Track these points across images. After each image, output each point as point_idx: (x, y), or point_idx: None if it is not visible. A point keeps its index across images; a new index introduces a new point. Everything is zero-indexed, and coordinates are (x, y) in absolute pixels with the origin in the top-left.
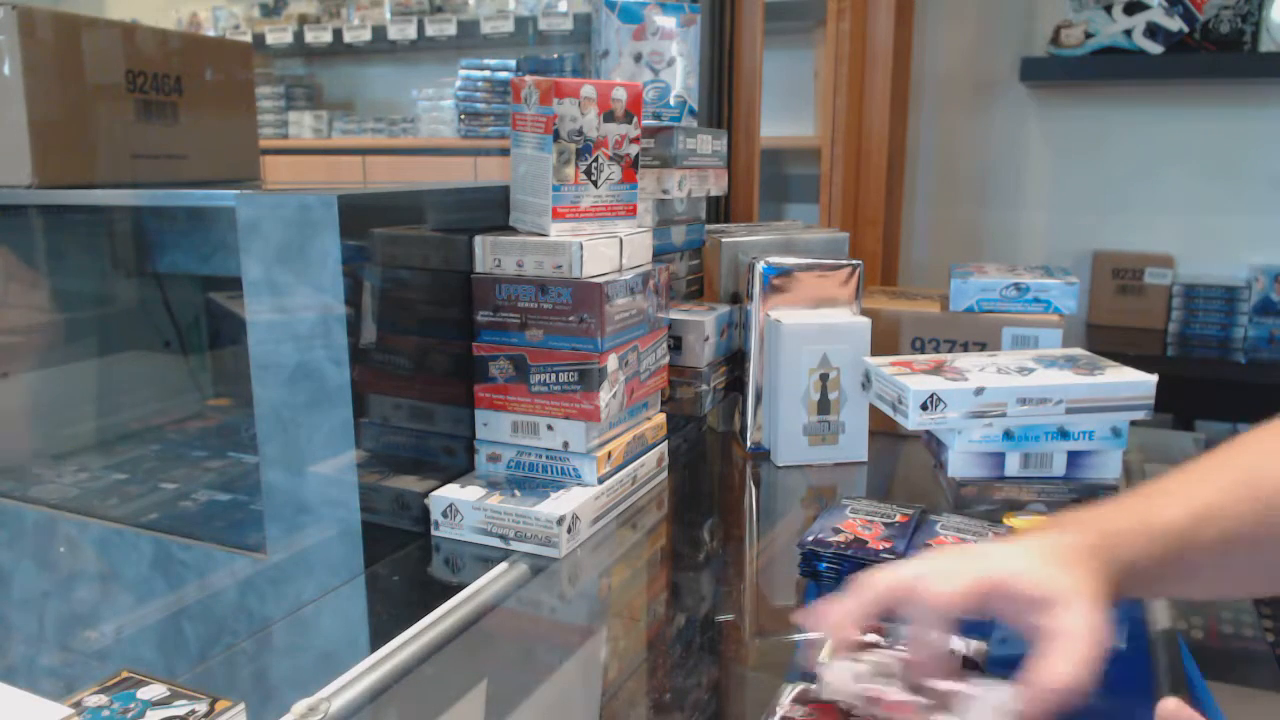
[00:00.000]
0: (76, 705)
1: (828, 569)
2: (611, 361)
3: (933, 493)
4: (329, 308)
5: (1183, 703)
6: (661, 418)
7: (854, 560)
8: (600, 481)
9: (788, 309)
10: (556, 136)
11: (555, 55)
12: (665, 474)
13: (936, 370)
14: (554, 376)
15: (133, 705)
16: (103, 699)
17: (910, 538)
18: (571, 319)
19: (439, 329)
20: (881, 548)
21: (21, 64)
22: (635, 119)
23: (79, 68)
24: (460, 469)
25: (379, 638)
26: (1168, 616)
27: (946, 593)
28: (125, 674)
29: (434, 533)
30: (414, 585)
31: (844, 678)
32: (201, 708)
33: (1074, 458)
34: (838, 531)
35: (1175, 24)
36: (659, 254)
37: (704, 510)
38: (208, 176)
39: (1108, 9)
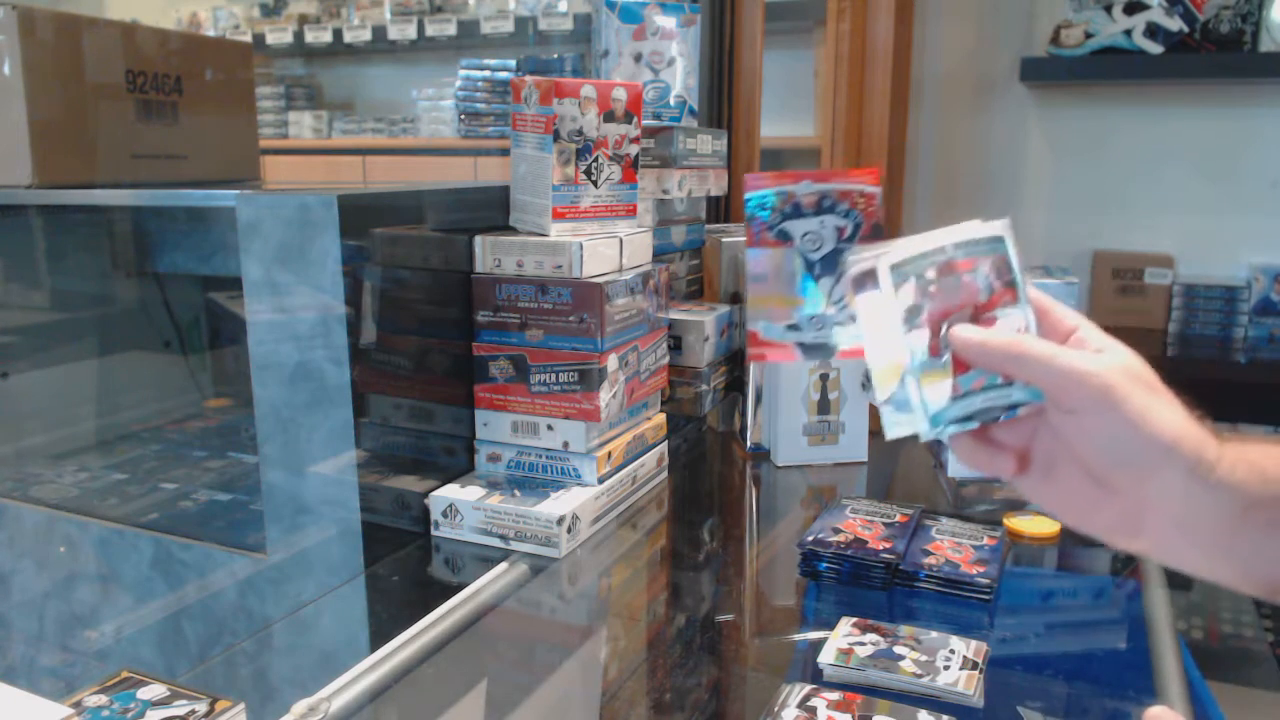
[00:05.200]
0: (76, 705)
1: (828, 569)
2: (611, 361)
3: (933, 493)
4: (329, 308)
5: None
6: (661, 418)
7: (854, 560)
8: (600, 481)
9: None
10: (556, 136)
11: (555, 55)
12: (665, 474)
13: None
14: (554, 376)
15: (133, 705)
16: (103, 699)
17: (910, 538)
18: (571, 319)
19: (439, 329)
20: (881, 548)
21: (21, 64)
22: (635, 119)
23: (79, 68)
24: (460, 469)
25: (379, 638)
26: (1168, 616)
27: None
28: (125, 674)
29: (434, 533)
30: (414, 585)
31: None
32: (201, 708)
33: None
34: (838, 531)
35: (1175, 24)
36: (659, 254)
37: (704, 510)
38: (207, 176)
39: (1108, 9)
